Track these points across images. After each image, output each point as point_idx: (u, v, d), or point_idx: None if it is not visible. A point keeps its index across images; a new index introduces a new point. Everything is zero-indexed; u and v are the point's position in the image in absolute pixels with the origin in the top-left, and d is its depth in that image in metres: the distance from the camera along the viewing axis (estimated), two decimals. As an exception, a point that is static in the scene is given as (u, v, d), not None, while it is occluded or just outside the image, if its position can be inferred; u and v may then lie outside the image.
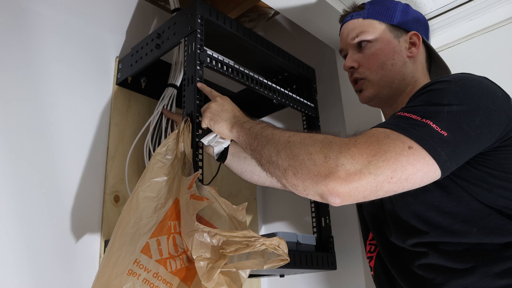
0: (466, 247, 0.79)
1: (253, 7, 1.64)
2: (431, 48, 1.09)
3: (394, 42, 1.03)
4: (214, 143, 1.03)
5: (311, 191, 0.72)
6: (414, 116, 0.73)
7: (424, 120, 0.71)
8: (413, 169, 0.68)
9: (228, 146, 1.07)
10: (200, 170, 0.96)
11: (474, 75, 0.83)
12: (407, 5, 1.10)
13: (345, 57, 1.11)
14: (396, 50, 1.03)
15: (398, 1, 1.10)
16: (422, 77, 1.04)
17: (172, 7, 1.44)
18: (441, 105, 0.73)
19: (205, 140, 1.02)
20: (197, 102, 1.03)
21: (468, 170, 0.77)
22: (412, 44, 1.05)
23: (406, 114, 0.74)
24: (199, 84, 1.04)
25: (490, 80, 0.82)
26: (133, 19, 1.51)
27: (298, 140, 0.77)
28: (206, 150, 1.19)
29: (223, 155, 1.09)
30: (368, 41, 1.04)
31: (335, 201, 0.69)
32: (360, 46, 1.06)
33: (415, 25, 1.08)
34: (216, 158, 1.09)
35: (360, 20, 1.07)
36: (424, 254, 0.84)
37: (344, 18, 1.13)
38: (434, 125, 0.70)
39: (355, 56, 1.06)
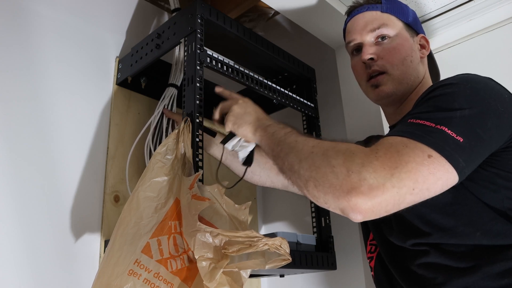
0: (467, 247, 0.79)
1: (253, 7, 1.64)
2: (432, 54, 1.12)
3: (411, 41, 1.03)
4: (239, 147, 0.99)
5: (332, 205, 0.70)
6: (428, 123, 0.72)
7: (438, 126, 0.70)
8: (434, 178, 0.67)
9: (254, 149, 1.02)
10: (201, 171, 0.96)
11: (479, 76, 0.82)
12: (413, 11, 1.11)
13: (356, 49, 1.08)
14: (413, 49, 1.02)
15: (406, 4, 1.10)
16: (428, 78, 1.05)
17: (172, 7, 1.44)
18: (453, 109, 0.72)
19: (229, 145, 0.98)
20: (197, 102, 1.03)
21: (476, 171, 0.76)
22: (422, 46, 1.06)
23: (419, 121, 0.73)
24: (217, 89, 1.03)
25: (495, 81, 0.83)
26: (133, 19, 1.51)
27: (321, 151, 0.74)
28: (207, 151, 1.20)
29: (249, 159, 1.03)
30: (388, 35, 1.02)
31: (356, 217, 0.67)
32: (379, 38, 1.03)
33: (421, 29, 1.10)
34: (242, 163, 1.04)
35: (379, 13, 1.04)
36: (425, 253, 0.84)
37: (357, 9, 1.08)
38: (449, 131, 0.69)
39: (373, 48, 1.02)
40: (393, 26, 1.02)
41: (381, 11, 1.04)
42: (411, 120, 0.75)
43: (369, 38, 1.03)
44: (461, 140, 0.69)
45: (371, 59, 1.01)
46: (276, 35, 1.92)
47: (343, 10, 1.35)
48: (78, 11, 1.35)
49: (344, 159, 0.70)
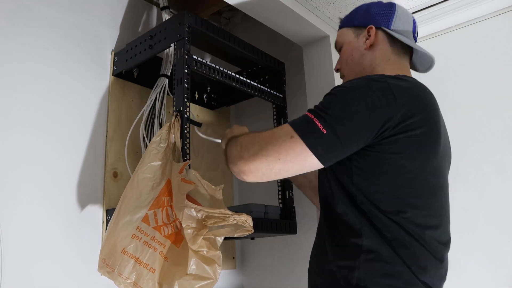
0: None
1: None
2: (391, 34, 1.15)
3: (354, 41, 1.19)
4: None
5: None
6: (310, 115, 0.94)
7: (314, 118, 0.92)
8: (294, 153, 0.92)
9: None
10: (190, 161, 1.20)
11: (362, 81, 0.97)
12: (371, 4, 1.21)
13: None
14: (355, 46, 1.18)
15: (363, 4, 1.23)
16: (381, 63, 1.14)
17: (161, 5, 1.65)
18: (328, 108, 0.93)
19: None
20: (185, 100, 1.26)
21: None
22: (367, 38, 1.17)
23: (307, 112, 0.95)
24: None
25: (382, 84, 0.95)
26: (126, 14, 1.71)
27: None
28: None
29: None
30: (341, 46, 1.22)
31: (242, 177, 0.99)
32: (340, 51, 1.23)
33: (374, 18, 1.18)
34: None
35: (339, 31, 1.25)
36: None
37: None
38: (319, 124, 0.90)
39: (338, 59, 1.24)
40: (341, 38, 1.22)
41: (340, 28, 1.25)
42: (307, 111, 0.97)
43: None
44: (325, 132, 0.90)
45: (338, 70, 1.25)
46: (254, 25, 2.09)
47: (306, 15, 1.58)
48: (76, 8, 1.54)
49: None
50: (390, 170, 0.94)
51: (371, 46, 1.15)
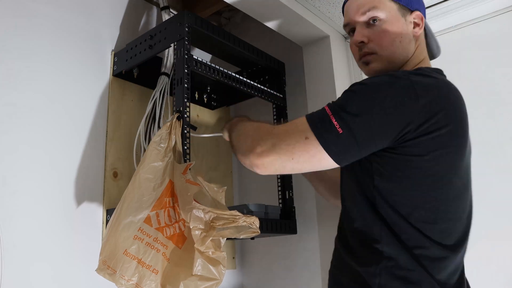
0: None
1: None
2: (428, 27, 1.11)
3: (402, 21, 1.04)
4: None
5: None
6: (328, 111, 0.90)
7: (331, 116, 0.88)
8: (308, 155, 0.90)
9: None
10: (194, 162, 1.19)
11: (384, 79, 0.91)
12: None
13: (352, 30, 1.10)
14: (404, 28, 1.03)
15: None
16: (418, 55, 1.06)
17: (161, 5, 1.64)
18: (347, 106, 0.88)
19: None
20: (185, 100, 1.26)
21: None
22: (416, 24, 1.06)
23: (326, 107, 0.91)
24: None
25: (404, 82, 0.89)
26: (126, 14, 1.70)
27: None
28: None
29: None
30: (379, 18, 1.03)
31: (253, 170, 0.98)
32: (369, 21, 1.05)
33: (417, 4, 1.08)
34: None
35: None
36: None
37: None
38: (335, 122, 0.87)
39: (364, 31, 1.05)
40: (384, 8, 1.03)
41: None
42: (326, 104, 0.92)
43: (361, 21, 1.06)
44: (341, 131, 0.86)
45: (362, 42, 1.06)
46: (254, 25, 2.10)
47: (306, 15, 1.58)
48: (76, 8, 1.53)
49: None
50: (412, 173, 0.90)
51: (414, 36, 1.06)
